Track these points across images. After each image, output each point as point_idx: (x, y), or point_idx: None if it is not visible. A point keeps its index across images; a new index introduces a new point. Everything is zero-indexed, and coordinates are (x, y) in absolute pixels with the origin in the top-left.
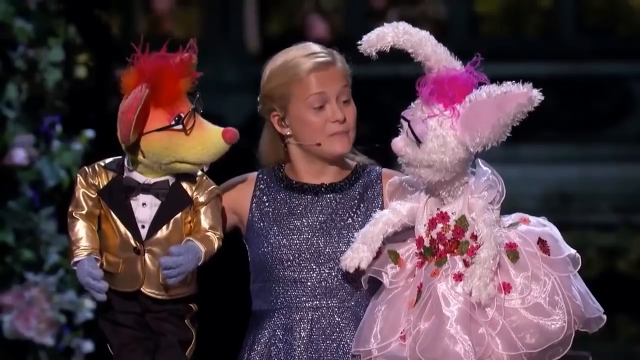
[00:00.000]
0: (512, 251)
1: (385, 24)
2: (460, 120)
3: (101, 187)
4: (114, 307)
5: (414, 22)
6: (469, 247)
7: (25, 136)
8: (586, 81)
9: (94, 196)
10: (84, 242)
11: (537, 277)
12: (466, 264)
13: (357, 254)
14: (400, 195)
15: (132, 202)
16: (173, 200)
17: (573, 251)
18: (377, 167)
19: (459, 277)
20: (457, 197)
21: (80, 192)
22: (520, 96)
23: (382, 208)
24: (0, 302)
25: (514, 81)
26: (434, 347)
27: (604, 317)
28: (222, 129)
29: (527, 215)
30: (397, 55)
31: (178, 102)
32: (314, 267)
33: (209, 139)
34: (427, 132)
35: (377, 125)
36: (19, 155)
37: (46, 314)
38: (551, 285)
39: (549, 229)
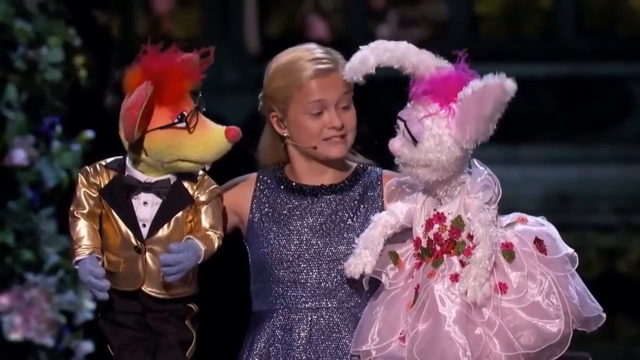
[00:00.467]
0: (508, 251)
1: (361, 47)
2: (455, 119)
3: (102, 186)
4: (114, 308)
5: (414, 23)
6: (466, 247)
7: (25, 137)
8: (586, 82)
9: (95, 195)
10: (85, 241)
11: (533, 277)
12: (463, 265)
13: (361, 259)
14: (399, 196)
15: (133, 200)
16: (174, 199)
17: (571, 250)
18: (378, 169)
19: (455, 277)
20: (454, 197)
21: (82, 191)
22: (495, 88)
23: (382, 209)
24: (0, 302)
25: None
26: (431, 348)
27: (603, 315)
28: (224, 127)
29: (525, 215)
30: None
31: (181, 100)
32: (314, 268)
33: (211, 138)
34: (423, 131)
35: (377, 125)
36: (19, 156)
37: (46, 315)
38: (547, 285)
39: (546, 228)
